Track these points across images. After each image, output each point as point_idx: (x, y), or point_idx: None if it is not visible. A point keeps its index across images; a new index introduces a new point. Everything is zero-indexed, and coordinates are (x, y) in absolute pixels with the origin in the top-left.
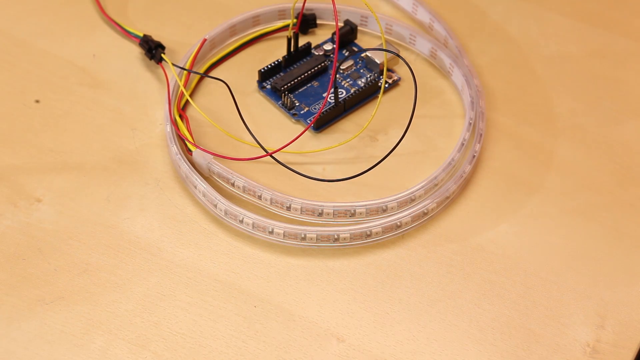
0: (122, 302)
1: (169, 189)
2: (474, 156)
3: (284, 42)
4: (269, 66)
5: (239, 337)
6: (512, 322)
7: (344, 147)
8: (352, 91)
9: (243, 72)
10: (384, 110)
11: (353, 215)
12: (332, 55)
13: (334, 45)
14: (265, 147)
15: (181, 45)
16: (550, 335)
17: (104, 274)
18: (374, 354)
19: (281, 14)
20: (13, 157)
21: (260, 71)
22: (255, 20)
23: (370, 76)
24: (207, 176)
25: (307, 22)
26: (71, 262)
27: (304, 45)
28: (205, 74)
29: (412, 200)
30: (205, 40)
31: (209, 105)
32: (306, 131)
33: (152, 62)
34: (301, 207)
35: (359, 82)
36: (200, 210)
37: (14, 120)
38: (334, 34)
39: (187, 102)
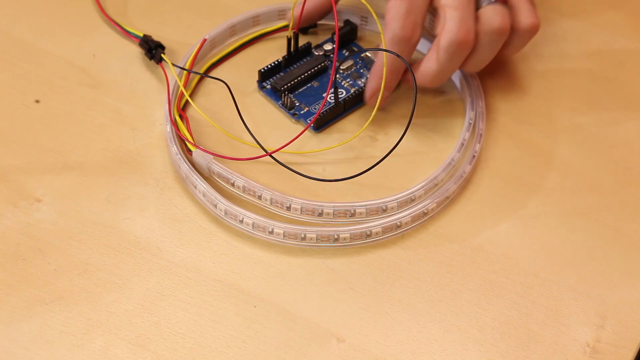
0: (122, 302)
1: (169, 189)
2: (474, 156)
3: (284, 42)
4: (269, 66)
5: (239, 337)
6: (512, 322)
7: (344, 147)
8: (352, 91)
9: (243, 72)
10: (384, 110)
11: (353, 215)
12: (332, 55)
13: (334, 45)
14: (265, 147)
15: (181, 45)
16: (550, 335)
17: (104, 274)
18: (374, 354)
19: (281, 14)
20: (13, 157)
21: (260, 71)
22: (255, 20)
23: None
24: (207, 176)
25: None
26: (71, 262)
27: (304, 45)
28: (205, 74)
29: (412, 200)
30: (205, 40)
31: (209, 105)
32: (306, 131)
33: (152, 62)
34: (301, 207)
35: (359, 82)
36: (200, 210)
37: (14, 120)
38: (334, 34)
39: (187, 102)
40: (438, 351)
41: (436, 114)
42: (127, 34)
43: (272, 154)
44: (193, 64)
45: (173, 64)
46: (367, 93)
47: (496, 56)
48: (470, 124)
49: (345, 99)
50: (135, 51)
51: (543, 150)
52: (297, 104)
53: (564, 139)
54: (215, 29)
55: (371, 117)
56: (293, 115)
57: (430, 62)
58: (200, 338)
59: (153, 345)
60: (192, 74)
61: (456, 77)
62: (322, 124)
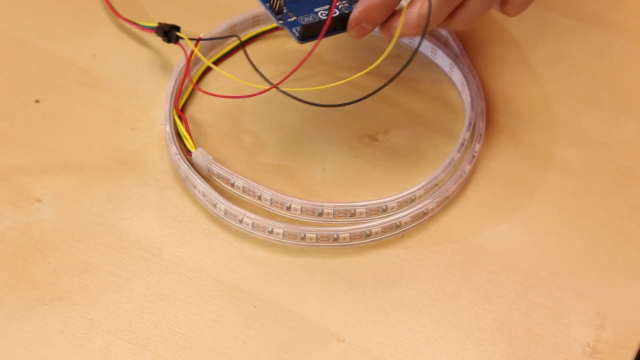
0: (122, 302)
1: (169, 189)
2: (474, 156)
3: (284, 40)
4: None
5: (239, 337)
6: (512, 322)
7: (344, 147)
8: (345, 12)
9: (242, 71)
10: (383, 110)
11: (353, 215)
12: None
13: None
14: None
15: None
16: (550, 335)
17: (104, 274)
18: (374, 354)
19: None
20: (13, 157)
21: None
22: (255, 20)
23: None
24: (206, 177)
25: None
26: (71, 262)
27: None
28: (220, 37)
29: (412, 200)
30: (200, 38)
31: (210, 102)
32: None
33: (152, 61)
34: (301, 207)
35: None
36: (200, 210)
37: (14, 120)
38: None
39: (185, 102)
40: (438, 351)
41: (436, 114)
42: (143, 28)
43: (277, 86)
44: (190, 64)
45: (190, 38)
46: (350, 21)
47: (496, 56)
48: (470, 124)
49: (337, 16)
50: (135, 51)
51: (543, 150)
52: (286, 10)
53: (564, 139)
54: (215, 29)
55: (385, 53)
56: (278, 20)
57: (417, 6)
58: (200, 338)
59: (153, 345)
60: (194, 71)
61: (457, 77)
62: (309, 36)
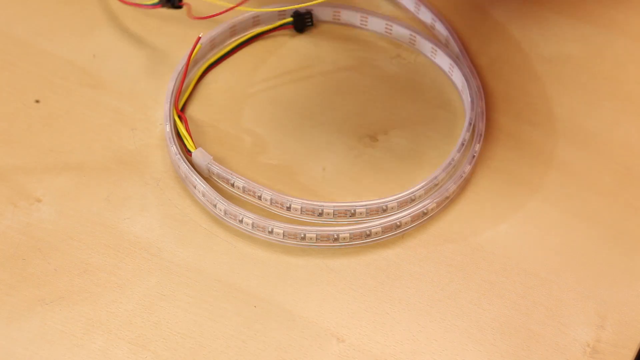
0: (122, 302)
1: (169, 189)
2: (473, 156)
3: (283, 41)
4: None
5: (239, 337)
6: (512, 322)
7: (344, 147)
8: None
9: (243, 71)
10: (383, 110)
11: (353, 215)
12: None
13: None
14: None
15: (181, 45)
16: (550, 335)
17: (104, 274)
18: (374, 354)
19: (281, 14)
20: (13, 157)
21: None
22: (255, 20)
23: None
24: (206, 177)
25: (302, 19)
26: (71, 262)
27: None
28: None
29: (412, 200)
30: (199, 38)
31: (210, 102)
32: None
33: (152, 61)
34: (301, 207)
35: None
36: (200, 210)
37: (14, 120)
38: None
39: (185, 102)
40: (438, 351)
41: (436, 114)
42: (147, 6)
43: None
44: (188, 63)
45: None
46: None
47: (496, 56)
48: (470, 124)
49: None
50: (135, 51)
51: (543, 150)
52: None
53: (564, 139)
54: (215, 29)
55: None
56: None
57: None
58: (200, 338)
59: (153, 345)
60: (190, 75)
61: (457, 77)
62: None
